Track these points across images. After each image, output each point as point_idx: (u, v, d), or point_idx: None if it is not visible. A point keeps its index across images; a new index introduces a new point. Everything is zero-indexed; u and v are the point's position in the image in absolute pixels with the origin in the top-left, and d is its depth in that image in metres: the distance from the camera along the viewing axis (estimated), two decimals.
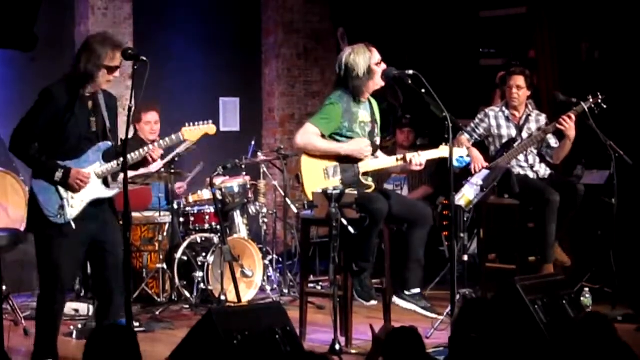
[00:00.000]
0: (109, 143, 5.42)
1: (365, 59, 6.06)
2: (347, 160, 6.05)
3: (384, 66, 6.08)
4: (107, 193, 5.44)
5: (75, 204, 5.33)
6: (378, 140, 6.28)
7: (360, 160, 6.06)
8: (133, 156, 5.42)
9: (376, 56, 6.09)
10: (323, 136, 6.04)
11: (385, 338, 3.84)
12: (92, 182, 5.36)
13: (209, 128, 5.70)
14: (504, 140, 7.14)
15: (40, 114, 5.30)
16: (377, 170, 6.21)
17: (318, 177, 6.01)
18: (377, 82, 6.10)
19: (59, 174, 5.28)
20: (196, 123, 5.66)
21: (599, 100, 6.96)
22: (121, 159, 5.30)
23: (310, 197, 5.95)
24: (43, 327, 5.43)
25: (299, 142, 6.06)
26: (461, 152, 6.17)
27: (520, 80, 7.09)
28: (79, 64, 5.32)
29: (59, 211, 5.29)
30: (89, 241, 5.38)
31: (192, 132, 5.63)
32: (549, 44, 8.36)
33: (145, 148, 5.47)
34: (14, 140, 5.35)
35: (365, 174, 6.09)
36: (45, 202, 5.29)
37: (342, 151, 6.02)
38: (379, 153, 6.28)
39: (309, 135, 6.03)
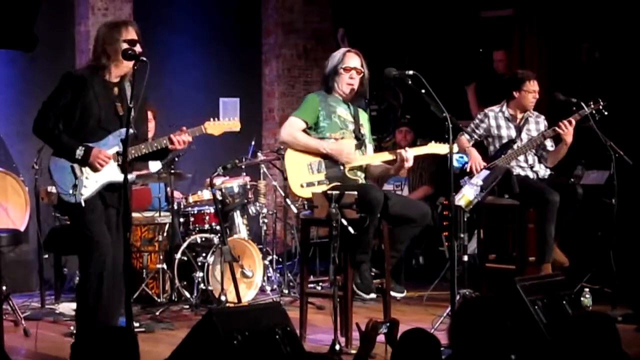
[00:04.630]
0: (130, 130, 5.40)
1: (335, 60, 6.18)
2: (332, 157, 6.08)
3: (353, 75, 6.10)
4: (121, 177, 5.42)
5: (89, 184, 5.36)
6: (370, 147, 6.28)
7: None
8: (154, 145, 5.47)
9: (347, 61, 6.14)
10: (309, 129, 6.08)
11: (398, 341, 3.77)
12: (109, 164, 5.40)
13: (233, 124, 5.81)
14: (503, 141, 7.14)
15: (60, 95, 5.36)
16: (365, 164, 6.21)
17: (302, 172, 6.05)
18: (340, 87, 6.16)
19: (79, 152, 5.31)
20: (220, 119, 5.79)
21: (600, 107, 6.97)
22: (141, 146, 5.43)
23: (295, 192, 6.02)
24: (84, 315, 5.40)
25: (282, 136, 6.13)
26: (444, 149, 6.10)
27: (537, 85, 7.10)
28: (97, 49, 5.41)
29: (72, 190, 5.32)
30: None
31: (215, 127, 5.74)
32: (538, 45, 8.38)
33: (165, 138, 5.52)
34: (36, 121, 5.40)
35: (352, 168, 6.11)
36: (59, 180, 5.34)
37: (323, 150, 6.05)
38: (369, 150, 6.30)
39: (293, 129, 6.09)
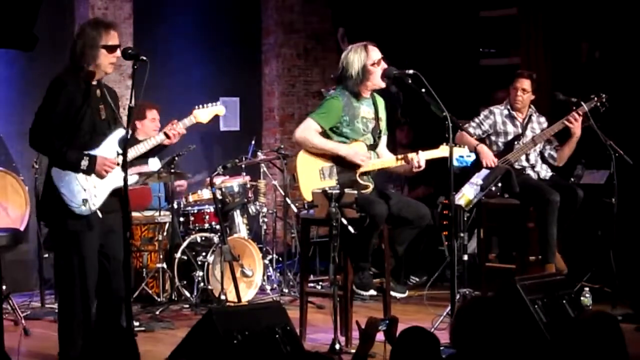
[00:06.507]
0: (123, 130, 5.34)
1: (359, 59, 6.04)
2: (344, 162, 6.04)
3: (384, 65, 6.07)
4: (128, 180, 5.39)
5: (98, 193, 5.28)
6: (384, 138, 6.27)
7: (357, 165, 6.04)
8: (151, 143, 5.48)
9: (374, 56, 6.04)
10: (323, 131, 6.05)
11: (397, 339, 3.78)
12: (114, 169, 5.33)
13: (218, 109, 5.78)
14: (509, 137, 7.15)
15: (55, 102, 5.22)
16: (376, 170, 6.20)
17: (314, 177, 6.01)
18: (376, 82, 6.08)
19: (84, 162, 5.21)
20: (206, 105, 5.73)
21: (603, 100, 6.99)
22: (139, 146, 5.41)
23: (306, 197, 5.96)
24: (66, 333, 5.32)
25: (297, 136, 6.07)
26: (461, 152, 6.15)
27: (526, 84, 7.11)
28: (76, 51, 5.27)
29: (84, 202, 5.23)
30: (105, 235, 5.34)
31: (203, 114, 5.70)
32: (542, 45, 8.39)
33: (160, 134, 5.53)
34: (33, 133, 5.24)
35: (363, 173, 6.09)
36: (68, 194, 5.21)
37: (340, 152, 6.01)
38: (383, 151, 6.27)
39: (309, 130, 6.03)
